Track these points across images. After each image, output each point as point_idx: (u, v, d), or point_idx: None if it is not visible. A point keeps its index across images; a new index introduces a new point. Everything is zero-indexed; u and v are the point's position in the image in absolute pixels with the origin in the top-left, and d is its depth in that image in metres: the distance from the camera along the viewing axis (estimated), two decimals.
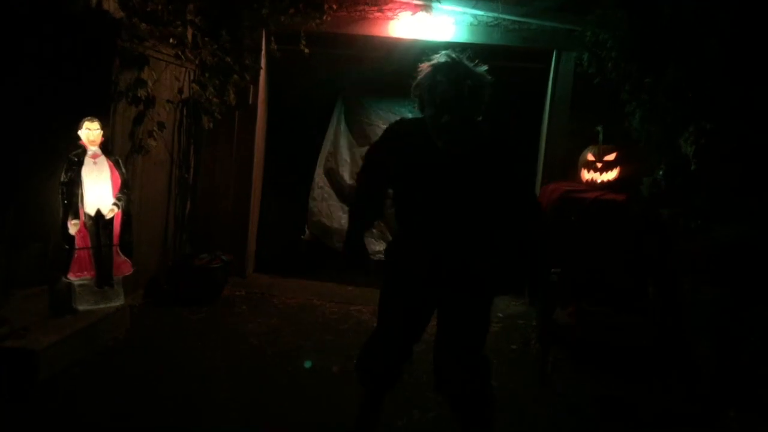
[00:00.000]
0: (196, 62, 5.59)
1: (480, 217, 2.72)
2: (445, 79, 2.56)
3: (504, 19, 5.91)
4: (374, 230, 6.82)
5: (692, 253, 4.30)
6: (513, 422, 3.67)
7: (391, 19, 5.98)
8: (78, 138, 4.23)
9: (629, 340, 4.29)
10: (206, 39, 5.58)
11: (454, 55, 2.62)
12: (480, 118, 2.70)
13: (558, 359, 4.53)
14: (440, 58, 2.63)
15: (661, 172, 4.81)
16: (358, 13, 6.01)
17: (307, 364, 4.21)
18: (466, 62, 2.61)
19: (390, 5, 5.99)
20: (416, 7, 5.92)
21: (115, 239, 4.38)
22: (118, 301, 4.39)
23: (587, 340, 4.44)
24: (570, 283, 4.52)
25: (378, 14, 6.02)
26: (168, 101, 5.17)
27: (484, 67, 2.65)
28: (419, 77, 2.66)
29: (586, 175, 5.45)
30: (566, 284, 4.49)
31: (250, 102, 6.11)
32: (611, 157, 5.34)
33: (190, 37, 5.47)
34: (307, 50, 5.89)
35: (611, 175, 5.32)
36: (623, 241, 4.70)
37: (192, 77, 5.63)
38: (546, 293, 4.57)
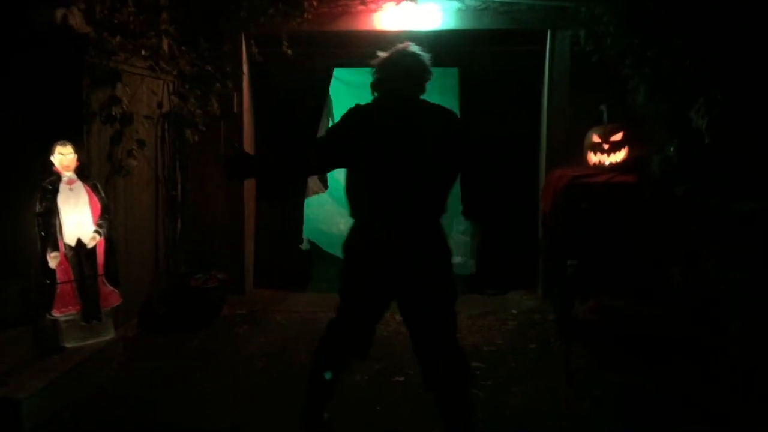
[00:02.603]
0: (174, 73, 5.31)
1: (436, 187, 2.87)
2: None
3: (493, 2, 5.63)
4: None
5: (714, 231, 4.04)
6: (542, 424, 3.51)
7: (375, 11, 5.71)
8: (51, 164, 3.96)
9: (655, 331, 4.01)
10: (183, 48, 5.30)
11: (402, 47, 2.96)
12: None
13: (581, 356, 4.27)
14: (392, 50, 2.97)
15: (672, 148, 4.56)
16: (340, 8, 5.73)
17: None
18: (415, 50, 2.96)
19: None
20: None
21: (100, 269, 4.10)
22: (108, 335, 4.12)
23: (611, 334, 4.17)
24: (587, 276, 4.24)
25: (361, 7, 5.74)
26: (146, 117, 4.89)
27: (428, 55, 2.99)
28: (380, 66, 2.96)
29: (593, 158, 5.18)
30: (583, 277, 4.21)
31: (235, 110, 5.84)
32: (618, 137, 5.08)
33: (165, 47, 5.20)
34: (289, 51, 5.62)
35: (619, 156, 5.06)
36: (639, 226, 4.43)
37: (171, 89, 5.36)
38: (563, 288, 4.30)
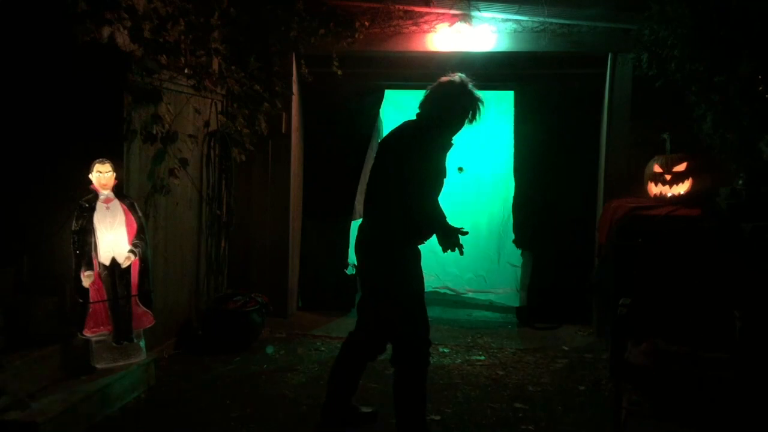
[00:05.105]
0: (222, 92, 5.29)
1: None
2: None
3: (551, 23, 5.41)
4: None
5: None
6: None
7: (428, 32, 5.57)
8: (89, 182, 3.94)
9: (713, 382, 3.68)
10: (232, 67, 5.28)
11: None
12: None
13: (633, 402, 3.96)
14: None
15: (740, 182, 4.26)
16: (392, 29, 5.62)
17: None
18: None
19: (426, 17, 5.59)
20: (454, 18, 5.48)
21: (134, 289, 4.04)
22: (139, 357, 4.03)
23: (665, 381, 3.85)
24: (642, 316, 3.94)
25: (414, 28, 5.62)
26: (191, 136, 4.84)
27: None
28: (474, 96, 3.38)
29: (654, 189, 4.88)
30: (637, 317, 3.91)
31: (284, 130, 5.78)
32: (681, 167, 4.77)
33: (216, 66, 5.18)
34: (339, 72, 5.55)
35: (682, 187, 4.74)
36: (701, 264, 4.11)
37: (219, 108, 5.32)
38: (614, 328, 4.01)
